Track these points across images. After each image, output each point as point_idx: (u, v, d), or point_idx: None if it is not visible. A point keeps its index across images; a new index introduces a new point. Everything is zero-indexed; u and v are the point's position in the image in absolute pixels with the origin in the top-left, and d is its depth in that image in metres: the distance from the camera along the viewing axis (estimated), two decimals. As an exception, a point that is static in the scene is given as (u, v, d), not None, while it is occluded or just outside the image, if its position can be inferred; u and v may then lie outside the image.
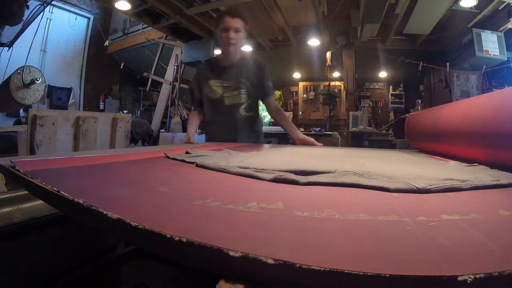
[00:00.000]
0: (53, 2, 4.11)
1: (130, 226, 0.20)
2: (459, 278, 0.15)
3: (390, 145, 3.36)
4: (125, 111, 6.16)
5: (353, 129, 3.72)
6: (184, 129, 3.82)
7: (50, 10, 5.41)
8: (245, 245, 0.18)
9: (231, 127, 1.43)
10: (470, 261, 0.17)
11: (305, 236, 0.21)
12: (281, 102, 6.24)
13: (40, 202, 0.53)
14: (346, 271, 0.15)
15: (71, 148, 2.01)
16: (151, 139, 4.11)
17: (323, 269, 0.16)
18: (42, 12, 2.87)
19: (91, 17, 6.31)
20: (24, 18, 2.88)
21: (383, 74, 5.68)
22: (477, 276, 0.15)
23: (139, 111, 6.41)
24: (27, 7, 2.78)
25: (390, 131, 3.90)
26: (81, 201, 0.24)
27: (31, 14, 2.87)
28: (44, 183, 0.29)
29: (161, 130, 4.40)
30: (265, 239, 0.20)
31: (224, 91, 1.43)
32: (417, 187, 0.36)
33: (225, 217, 0.25)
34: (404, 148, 1.51)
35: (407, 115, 1.57)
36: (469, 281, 0.15)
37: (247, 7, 3.02)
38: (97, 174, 0.43)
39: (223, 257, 0.17)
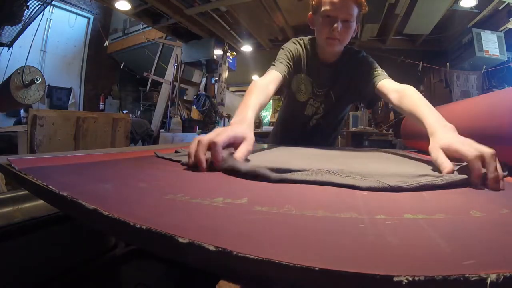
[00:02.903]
0: (53, 2, 4.11)
1: (102, 215, 0.23)
2: (395, 279, 0.14)
3: (390, 145, 3.36)
4: (125, 111, 6.16)
5: (353, 129, 3.72)
6: (184, 129, 3.82)
7: (50, 10, 5.41)
8: (195, 233, 0.19)
9: (300, 136, 1.14)
10: (415, 262, 0.17)
11: (253, 228, 0.22)
12: (281, 102, 6.24)
13: (40, 202, 0.53)
14: (277, 261, 0.16)
15: (71, 148, 2.01)
16: (151, 139, 4.11)
17: (256, 257, 0.16)
18: (42, 12, 2.87)
19: (91, 17, 6.32)
20: (24, 18, 2.88)
21: (383, 74, 5.67)
22: (416, 278, 0.14)
23: (139, 111, 6.41)
24: (27, 7, 2.78)
25: (390, 131, 3.90)
26: (65, 194, 0.26)
27: (31, 14, 2.87)
28: (35, 179, 0.31)
29: (161, 130, 4.40)
30: (215, 229, 0.22)
31: (310, 97, 1.08)
32: (389, 186, 0.35)
33: (188, 210, 0.26)
34: (404, 148, 1.50)
35: (404, 116, 1.54)
36: (404, 283, 0.14)
37: (247, 7, 3.02)
38: (86, 171, 0.44)
39: (174, 243, 0.19)
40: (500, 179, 0.39)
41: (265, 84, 0.82)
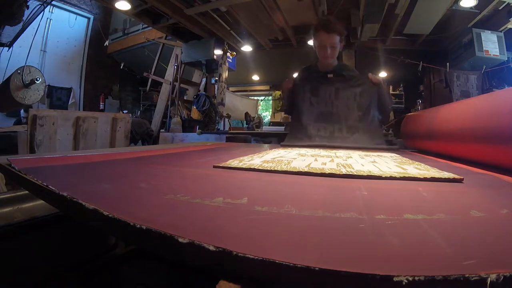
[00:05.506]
0: (53, 2, 4.11)
1: (102, 215, 0.23)
2: (395, 279, 0.14)
3: (390, 145, 3.35)
4: (125, 111, 6.16)
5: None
6: (184, 129, 3.81)
7: (50, 10, 5.41)
8: (195, 233, 0.19)
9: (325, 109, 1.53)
10: (415, 262, 0.17)
11: (253, 228, 0.22)
12: (281, 102, 6.24)
13: (40, 202, 0.53)
14: (277, 261, 0.16)
15: (71, 148, 2.01)
16: (151, 139, 4.11)
17: (256, 257, 0.16)
18: (42, 12, 2.87)
19: (91, 17, 6.31)
20: (24, 18, 2.88)
21: (383, 74, 5.66)
22: (416, 278, 0.14)
23: (139, 111, 6.40)
24: (27, 7, 2.78)
25: (390, 131, 3.89)
26: (65, 194, 0.27)
27: (31, 14, 2.87)
28: (35, 179, 0.31)
29: (161, 130, 4.39)
30: (215, 229, 0.22)
31: (312, 92, 1.51)
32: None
33: (188, 210, 0.26)
34: (404, 148, 1.52)
35: (404, 115, 1.66)
36: (404, 283, 0.14)
37: (247, 7, 3.02)
38: (86, 171, 0.45)
39: (175, 243, 0.19)
40: (374, 77, 1.40)
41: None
